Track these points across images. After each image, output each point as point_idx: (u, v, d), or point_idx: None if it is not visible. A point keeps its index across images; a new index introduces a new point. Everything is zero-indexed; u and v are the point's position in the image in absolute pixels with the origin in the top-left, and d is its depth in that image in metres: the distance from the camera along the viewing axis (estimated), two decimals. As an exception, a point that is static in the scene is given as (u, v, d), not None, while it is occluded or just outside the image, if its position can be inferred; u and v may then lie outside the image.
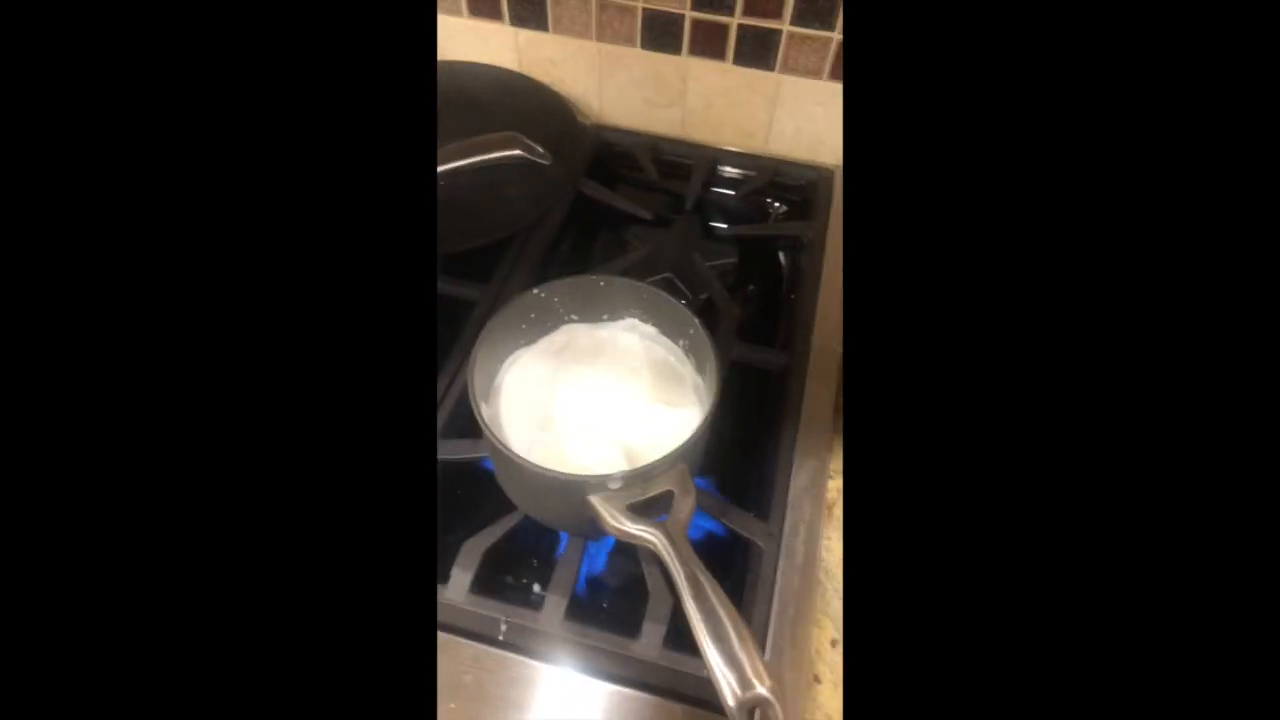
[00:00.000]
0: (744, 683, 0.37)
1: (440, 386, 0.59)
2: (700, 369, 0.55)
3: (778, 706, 0.36)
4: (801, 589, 0.50)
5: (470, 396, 0.49)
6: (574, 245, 0.78)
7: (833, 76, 0.73)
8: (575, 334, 0.58)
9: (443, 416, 0.58)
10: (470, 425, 0.56)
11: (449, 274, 0.67)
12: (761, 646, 0.46)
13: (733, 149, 0.81)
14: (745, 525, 0.52)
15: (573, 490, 0.45)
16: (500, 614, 0.49)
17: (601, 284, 0.57)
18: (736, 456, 0.61)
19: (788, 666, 0.47)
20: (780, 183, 0.79)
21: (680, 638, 0.46)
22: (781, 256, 0.78)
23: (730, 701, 0.37)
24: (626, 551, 0.57)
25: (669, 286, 0.69)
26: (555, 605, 0.49)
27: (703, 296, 0.69)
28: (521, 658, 0.47)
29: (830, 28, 0.69)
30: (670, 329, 0.57)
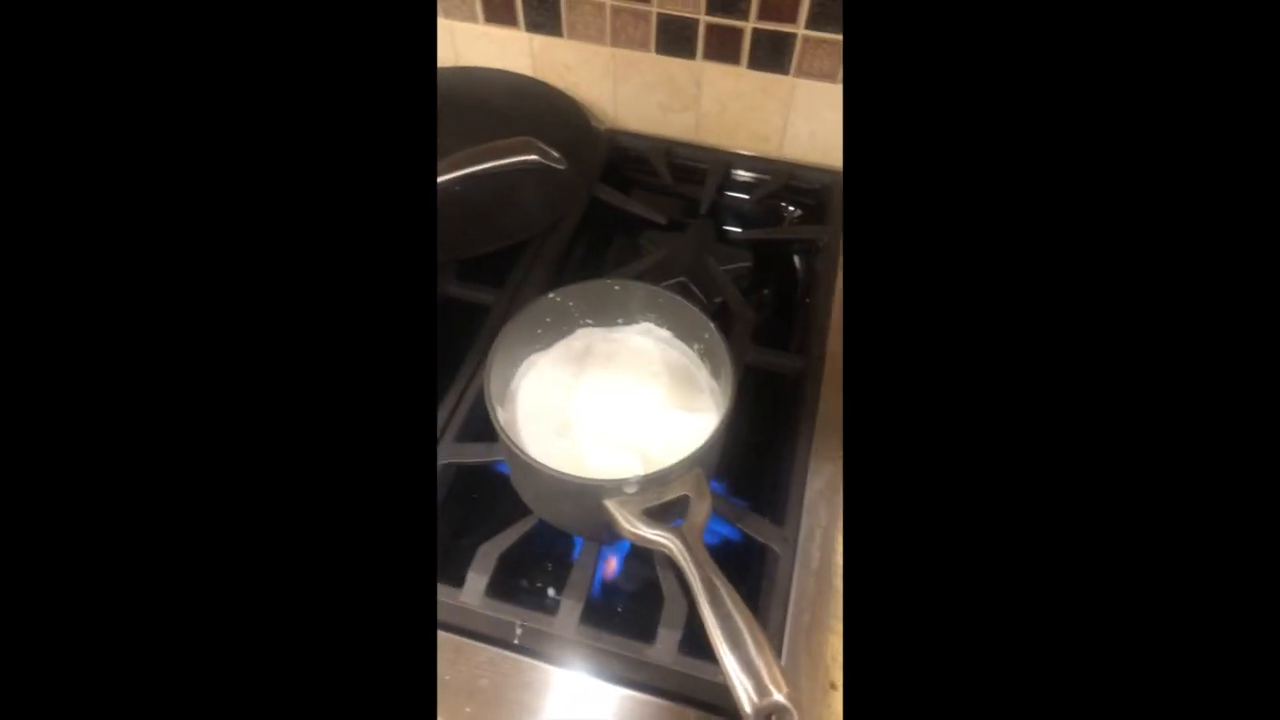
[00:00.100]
0: (761, 689, 0.37)
1: (456, 391, 0.59)
2: (715, 373, 0.54)
3: (795, 713, 0.36)
4: (817, 594, 0.50)
5: (486, 400, 0.49)
6: (589, 250, 0.78)
7: (848, 80, 0.73)
8: (591, 338, 0.58)
9: (458, 420, 0.58)
10: (485, 429, 0.56)
11: (464, 279, 0.67)
12: (778, 652, 0.46)
13: (747, 153, 0.81)
14: (761, 530, 0.52)
15: (588, 494, 0.45)
16: (515, 618, 0.49)
17: (616, 288, 0.57)
18: (752, 461, 0.61)
19: (804, 673, 0.47)
20: (795, 186, 0.79)
21: (696, 643, 0.46)
22: (796, 260, 0.77)
23: (747, 708, 0.36)
24: (642, 556, 0.57)
25: (684, 291, 0.69)
26: (570, 609, 0.49)
27: (717, 300, 0.68)
28: (536, 662, 0.47)
29: (845, 31, 0.69)
30: (685, 333, 0.57)
